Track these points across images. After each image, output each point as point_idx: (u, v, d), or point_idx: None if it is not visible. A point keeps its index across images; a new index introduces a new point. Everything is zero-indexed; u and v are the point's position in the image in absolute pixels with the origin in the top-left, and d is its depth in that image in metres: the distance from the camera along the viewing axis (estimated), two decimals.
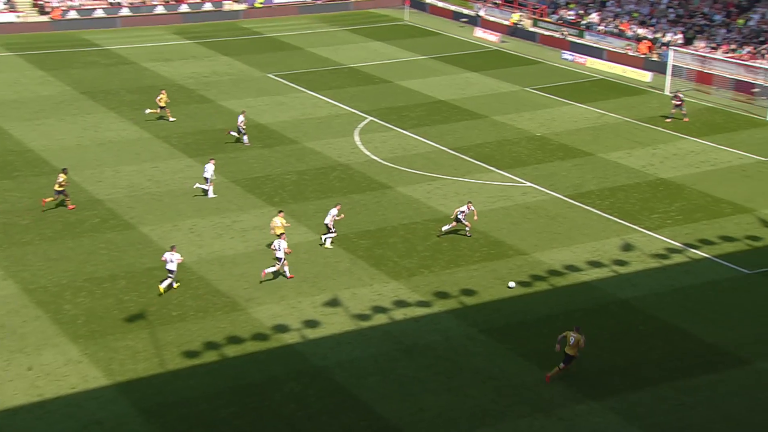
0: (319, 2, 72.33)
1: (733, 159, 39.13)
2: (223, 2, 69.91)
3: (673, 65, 49.84)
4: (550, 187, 36.37)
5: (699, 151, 40.26)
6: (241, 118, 40.27)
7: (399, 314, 26.68)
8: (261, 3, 70.71)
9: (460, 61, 57.07)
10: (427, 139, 42.00)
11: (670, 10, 60.22)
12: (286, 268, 28.37)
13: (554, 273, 29.18)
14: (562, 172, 38.17)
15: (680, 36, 56.05)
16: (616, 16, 62.36)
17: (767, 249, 30.41)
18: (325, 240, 30.51)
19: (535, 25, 66.21)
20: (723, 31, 54.94)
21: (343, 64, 55.69)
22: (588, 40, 61.20)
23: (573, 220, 33.14)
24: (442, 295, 27.77)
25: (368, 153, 40.16)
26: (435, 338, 25.34)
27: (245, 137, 40.24)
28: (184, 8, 68.19)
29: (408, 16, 69.94)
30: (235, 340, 25.12)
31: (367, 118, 45.24)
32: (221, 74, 52.72)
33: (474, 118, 45.56)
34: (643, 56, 55.72)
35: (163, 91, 44.01)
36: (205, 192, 34.70)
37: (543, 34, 63.45)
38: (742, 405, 22.20)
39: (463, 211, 31.35)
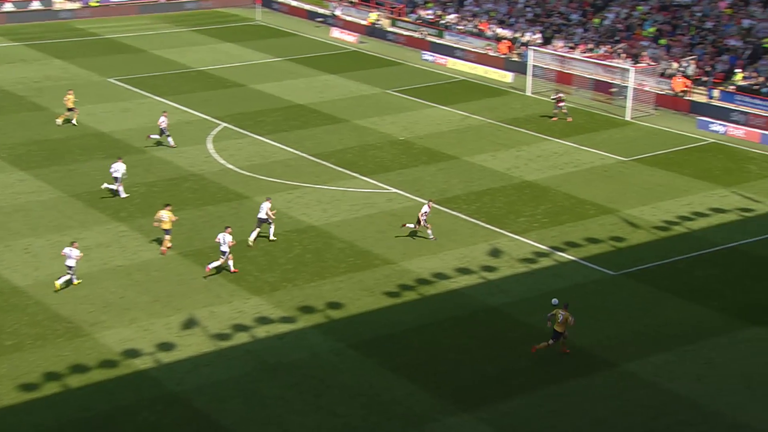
0: (162, 1, 70.89)
1: (595, 159, 41.10)
2: (54, 1, 67.41)
3: (534, 65, 51.87)
4: (415, 193, 36.97)
5: (562, 152, 42.04)
6: (162, 119, 40.07)
7: (261, 332, 26.49)
8: (97, 2, 68.63)
9: (317, 62, 57.29)
10: (286, 146, 41.91)
11: (528, 9, 62.65)
12: (231, 262, 29.25)
13: (423, 282, 29.68)
14: (427, 176, 38.90)
15: (539, 36, 58.42)
16: (475, 15, 64.31)
17: (631, 250, 32.06)
18: (254, 238, 31.68)
19: (393, 24, 67.32)
20: (580, 30, 57.66)
21: (191, 67, 54.81)
22: (448, 40, 62.75)
23: (440, 226, 33.75)
24: (307, 310, 27.76)
25: (223, 161, 39.69)
26: (301, 355, 25.30)
27: (170, 139, 40.37)
28: (8, 7, 65.29)
29: (260, 15, 69.64)
30: (79, 368, 24.26)
31: (220, 124, 44.70)
32: (55, 79, 50.82)
33: (334, 122, 45.82)
34: (503, 56, 57.67)
35: (71, 91, 42.56)
36: (115, 193, 34.33)
37: (402, 34, 64.61)
38: (612, 408, 23.26)
39: (425, 212, 31.69)
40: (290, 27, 66.77)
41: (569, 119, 46.08)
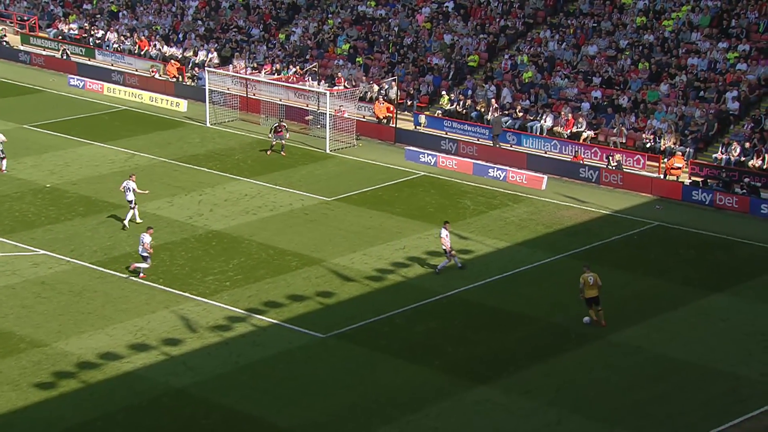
0: None
1: (294, 201, 41.94)
2: None
3: (212, 90, 52.22)
4: (71, 254, 35.92)
5: (254, 194, 42.50)
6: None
7: None
8: None
9: None
10: None
11: (199, 23, 63.13)
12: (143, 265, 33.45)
13: (86, 366, 28.67)
14: (86, 232, 37.95)
15: (215, 55, 58.98)
16: (133, 30, 63.69)
17: (340, 306, 32.88)
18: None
19: (25, 42, 65.01)
20: (263, 47, 59.00)
21: None
22: (101, 61, 61.66)
23: (107, 294, 32.96)
24: None
25: None
26: None
27: (3, 162, 42.90)
28: None
29: None
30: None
31: None
32: None
33: None
34: (173, 80, 57.54)
35: None
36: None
37: (38, 54, 62.55)
38: None
39: (445, 238, 34.51)
40: None
41: (283, 153, 46.88)
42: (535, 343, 30.65)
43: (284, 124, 47.64)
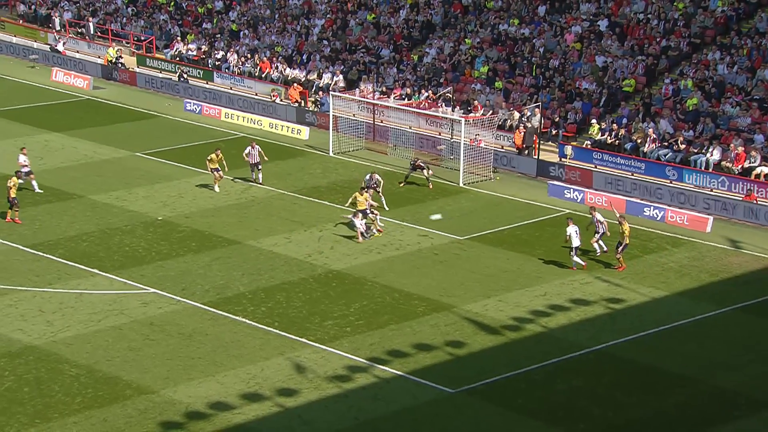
0: None
1: (423, 240, 41.98)
2: None
3: (336, 116, 52.83)
4: (182, 293, 36.47)
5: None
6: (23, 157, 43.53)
7: None
8: None
9: (33, 116, 56.37)
10: None
11: (325, 43, 64.09)
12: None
13: (195, 416, 29.06)
14: (198, 269, 38.50)
15: (340, 78, 59.75)
16: (254, 51, 65.06)
17: (472, 358, 32.69)
18: None
19: (141, 64, 66.97)
20: (393, 70, 59.50)
21: None
22: (219, 84, 63.06)
23: (218, 338, 33.33)
24: None
25: None
26: None
27: (33, 182, 44.79)
28: None
29: None
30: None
31: None
32: None
33: (62, 198, 45.00)
34: (295, 105, 58.45)
35: None
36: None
37: (154, 77, 64.29)
38: None
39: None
40: None
41: (430, 186, 47.22)
42: (695, 409, 29.89)
43: (421, 163, 47.64)
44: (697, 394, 30.63)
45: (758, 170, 46.44)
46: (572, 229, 38.43)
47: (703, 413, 29.62)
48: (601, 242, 39.56)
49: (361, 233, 40.94)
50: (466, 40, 60.33)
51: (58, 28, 72.52)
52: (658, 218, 44.03)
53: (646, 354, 32.90)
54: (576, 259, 38.77)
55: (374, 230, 41.48)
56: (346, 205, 42.21)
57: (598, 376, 31.75)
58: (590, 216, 39.93)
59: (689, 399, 30.41)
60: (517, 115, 52.88)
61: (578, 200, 45.95)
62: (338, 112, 53.27)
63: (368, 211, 41.21)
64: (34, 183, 45.79)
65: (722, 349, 33.02)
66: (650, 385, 31.05)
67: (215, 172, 46.25)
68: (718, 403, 30.10)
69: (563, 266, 38.82)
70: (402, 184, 47.52)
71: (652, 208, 44.50)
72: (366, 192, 41.69)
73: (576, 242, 38.46)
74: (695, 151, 48.40)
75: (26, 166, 45.81)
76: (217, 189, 46.20)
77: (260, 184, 47.26)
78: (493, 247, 41.17)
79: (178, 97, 60.95)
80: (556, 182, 47.65)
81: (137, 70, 65.70)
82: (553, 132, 52.49)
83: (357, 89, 56.82)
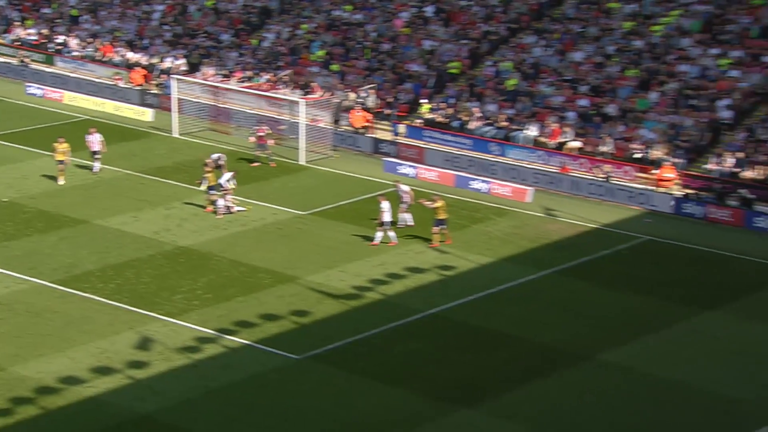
0: None
1: (267, 215, 41.95)
2: None
3: (180, 99, 52.18)
4: (30, 272, 35.76)
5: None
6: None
7: None
8: None
9: None
10: None
11: (166, 27, 63.10)
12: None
13: (46, 391, 28.50)
14: (46, 249, 37.79)
15: (183, 61, 58.96)
16: (95, 36, 63.61)
17: (316, 326, 32.88)
18: None
19: None
20: (234, 54, 59.03)
21: None
22: (61, 68, 61.58)
23: (67, 315, 32.80)
24: None
25: None
26: None
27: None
28: None
29: None
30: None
31: None
32: None
33: None
34: (138, 88, 57.48)
35: None
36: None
37: None
38: None
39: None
40: None
41: (273, 164, 46.95)
42: (521, 364, 30.73)
43: (265, 127, 47.56)
44: (523, 351, 31.48)
45: (571, 144, 47.89)
46: (385, 205, 38.41)
47: (527, 368, 30.48)
48: (407, 215, 39.81)
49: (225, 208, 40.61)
50: (302, 25, 60.26)
51: None
52: (484, 190, 44.96)
53: (475, 316, 33.63)
54: (387, 234, 38.56)
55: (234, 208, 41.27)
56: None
57: (433, 338, 32.32)
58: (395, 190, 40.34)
59: (515, 355, 31.25)
60: (352, 95, 53.14)
61: (411, 175, 46.56)
62: (181, 94, 52.65)
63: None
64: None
65: (543, 309, 34.00)
66: (480, 344, 31.79)
67: (59, 164, 44.32)
68: (540, 358, 31.02)
69: (399, 237, 39.31)
70: (255, 165, 47.24)
71: (478, 181, 45.40)
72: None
73: (386, 218, 38.45)
74: (515, 128, 49.59)
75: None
76: (61, 182, 44.44)
77: (94, 173, 45.60)
78: (334, 221, 41.40)
79: (20, 80, 59.45)
80: (390, 158, 48.15)
81: None
82: (387, 112, 52.95)
83: (199, 72, 56.16)
